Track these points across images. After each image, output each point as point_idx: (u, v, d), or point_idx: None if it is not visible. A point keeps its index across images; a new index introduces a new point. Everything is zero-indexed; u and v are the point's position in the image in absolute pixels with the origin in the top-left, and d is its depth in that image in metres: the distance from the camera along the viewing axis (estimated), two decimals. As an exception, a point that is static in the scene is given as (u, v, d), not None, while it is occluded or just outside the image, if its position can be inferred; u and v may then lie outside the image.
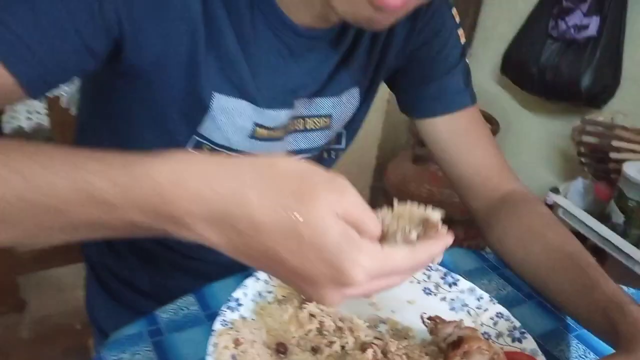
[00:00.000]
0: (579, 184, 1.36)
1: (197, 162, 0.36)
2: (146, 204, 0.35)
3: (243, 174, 0.35)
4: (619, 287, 0.56)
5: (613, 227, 1.21)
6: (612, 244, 1.19)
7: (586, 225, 1.24)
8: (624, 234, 1.19)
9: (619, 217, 1.20)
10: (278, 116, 0.62)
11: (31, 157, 0.37)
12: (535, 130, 1.64)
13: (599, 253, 1.29)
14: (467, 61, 0.74)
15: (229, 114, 0.59)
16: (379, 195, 1.84)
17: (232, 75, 0.57)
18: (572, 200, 1.33)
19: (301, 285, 0.36)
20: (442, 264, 0.67)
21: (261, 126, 0.62)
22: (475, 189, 0.74)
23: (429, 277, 0.63)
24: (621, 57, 1.39)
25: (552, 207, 1.33)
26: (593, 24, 1.33)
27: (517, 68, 1.51)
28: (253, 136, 0.62)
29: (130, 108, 0.60)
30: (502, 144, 1.69)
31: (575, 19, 1.35)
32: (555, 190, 1.33)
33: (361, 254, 0.35)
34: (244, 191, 0.34)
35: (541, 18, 1.43)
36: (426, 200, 1.63)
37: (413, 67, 0.72)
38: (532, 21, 1.45)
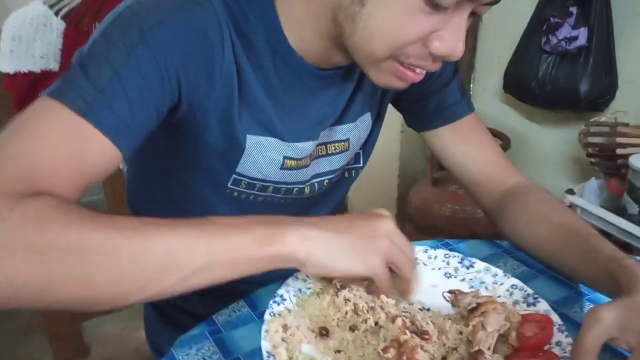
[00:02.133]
0: (592, 183, 1.42)
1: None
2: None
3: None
4: (617, 249, 0.63)
5: (630, 218, 1.26)
6: (631, 234, 1.24)
7: (604, 220, 1.30)
8: (640, 223, 1.25)
9: (633, 208, 1.26)
10: (304, 148, 0.72)
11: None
12: (545, 140, 1.72)
13: (623, 246, 1.34)
14: (461, 75, 0.84)
15: (262, 151, 0.68)
16: (405, 221, 1.91)
17: (261, 119, 0.67)
18: (587, 199, 1.39)
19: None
20: (460, 251, 0.74)
21: (290, 158, 0.71)
22: (484, 186, 0.82)
23: (447, 263, 0.71)
24: (614, 61, 1.47)
25: (570, 207, 1.39)
26: (582, 35, 1.43)
27: (518, 85, 1.61)
28: (283, 167, 0.71)
29: (176, 155, 0.70)
30: (516, 157, 1.76)
31: (565, 32, 1.45)
32: (571, 192, 1.39)
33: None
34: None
35: (533, 36, 1.53)
36: (450, 218, 1.70)
37: (414, 87, 0.82)
38: (525, 40, 1.55)
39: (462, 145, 0.82)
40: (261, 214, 0.76)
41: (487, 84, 1.80)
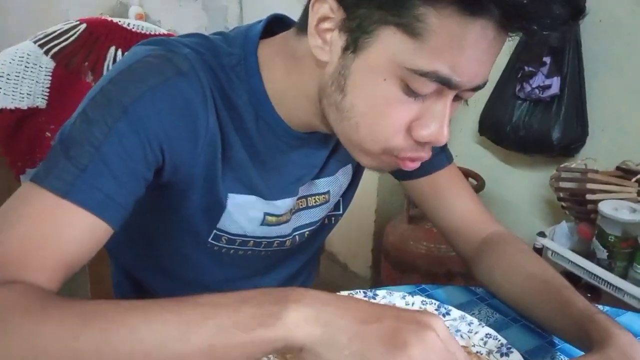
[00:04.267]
0: (563, 226, 1.47)
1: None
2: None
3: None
4: (589, 303, 0.66)
5: (599, 263, 1.30)
6: (601, 278, 1.27)
7: (574, 264, 1.34)
8: (609, 268, 1.28)
9: (602, 253, 1.30)
10: (284, 204, 0.73)
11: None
12: (518, 182, 1.77)
13: (593, 290, 1.38)
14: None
15: (243, 209, 0.70)
16: (380, 256, 1.93)
17: (243, 178, 0.68)
18: (558, 242, 1.43)
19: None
20: (436, 298, 0.76)
21: (270, 215, 0.73)
22: (461, 235, 0.85)
23: (424, 310, 0.72)
24: (585, 109, 1.53)
25: (541, 250, 1.42)
26: (555, 84, 1.49)
27: (493, 128, 1.66)
28: (264, 223, 0.73)
29: (159, 214, 0.71)
30: (490, 198, 1.81)
31: (538, 80, 1.51)
32: (542, 234, 1.42)
33: None
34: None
35: (508, 83, 1.58)
36: (425, 256, 1.72)
37: None
38: (500, 86, 1.61)
39: (441, 196, 0.84)
40: (242, 264, 0.78)
41: (464, 126, 1.85)
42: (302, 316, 0.43)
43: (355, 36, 0.55)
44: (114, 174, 0.55)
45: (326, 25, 0.57)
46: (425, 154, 0.61)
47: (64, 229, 0.53)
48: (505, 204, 1.81)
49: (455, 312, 0.71)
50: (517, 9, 0.49)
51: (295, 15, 0.66)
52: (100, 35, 0.88)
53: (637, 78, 1.43)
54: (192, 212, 0.69)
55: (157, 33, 0.97)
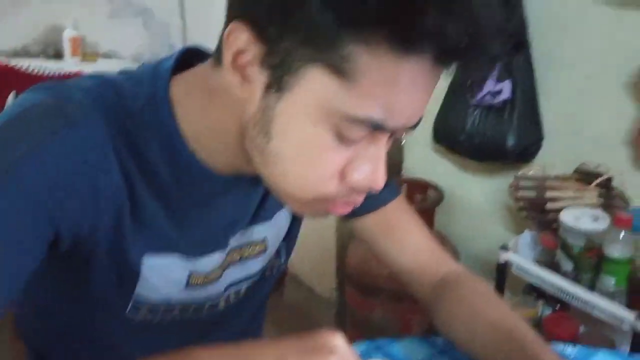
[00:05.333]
0: (526, 236, 1.41)
1: None
2: None
3: None
4: (556, 354, 0.60)
5: (565, 275, 1.25)
6: (567, 292, 1.22)
7: (539, 277, 1.28)
8: (576, 280, 1.23)
9: (567, 265, 1.25)
10: (211, 260, 0.64)
11: None
12: (477, 190, 1.71)
13: (561, 302, 1.33)
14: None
15: (161, 272, 0.61)
16: (344, 277, 1.86)
17: (157, 235, 0.59)
18: (522, 253, 1.37)
19: None
20: (394, 356, 0.69)
21: (196, 274, 0.63)
22: (415, 276, 0.77)
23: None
24: (539, 113, 1.49)
25: (505, 264, 1.37)
26: (506, 88, 1.43)
27: (447, 136, 1.60)
28: (189, 285, 0.63)
29: (64, 288, 0.62)
30: (449, 209, 1.75)
31: (489, 86, 1.46)
32: (505, 248, 1.37)
33: None
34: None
35: (459, 89, 1.53)
36: (389, 278, 1.65)
37: None
38: (451, 94, 1.56)
39: (390, 234, 0.77)
40: (171, 334, 0.68)
41: (418, 134, 1.79)
42: None
43: (279, 74, 0.48)
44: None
45: (244, 58, 0.50)
46: (360, 198, 0.56)
47: None
48: (465, 213, 1.76)
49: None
50: (452, 49, 0.43)
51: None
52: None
53: (588, 78, 1.40)
54: (101, 283, 0.59)
55: (63, 74, 0.87)
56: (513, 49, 0.46)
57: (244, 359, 0.47)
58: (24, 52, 2.90)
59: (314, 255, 2.04)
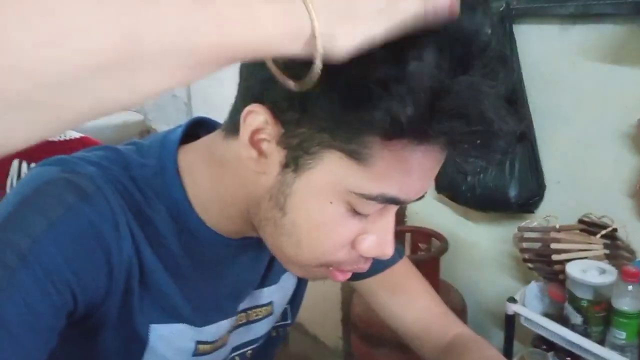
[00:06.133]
0: (534, 287, 1.41)
1: None
2: None
3: None
4: None
5: (574, 328, 1.24)
6: (577, 345, 1.21)
7: (549, 330, 1.27)
8: (585, 334, 1.22)
9: (576, 318, 1.24)
10: (219, 328, 0.65)
11: None
12: (483, 240, 1.72)
13: (568, 354, 1.31)
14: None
15: (169, 341, 0.61)
16: (349, 326, 1.84)
17: (166, 304, 0.60)
18: (530, 305, 1.36)
19: None
20: None
21: (203, 342, 0.64)
22: (422, 340, 0.78)
23: None
24: (539, 163, 1.50)
25: (513, 316, 1.36)
26: (506, 140, 1.45)
27: (450, 187, 1.61)
28: (196, 354, 0.64)
29: (71, 358, 0.62)
30: (454, 258, 1.75)
31: (489, 137, 1.47)
32: (513, 300, 1.36)
33: None
34: None
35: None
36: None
37: None
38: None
39: (394, 296, 0.79)
40: None
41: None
42: None
43: (296, 155, 0.51)
44: (15, 336, 0.48)
45: (261, 136, 0.52)
46: (366, 265, 0.59)
47: None
48: (471, 263, 1.75)
49: None
50: (464, 146, 0.46)
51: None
52: None
53: (586, 129, 1.42)
54: (109, 351, 0.60)
55: (67, 139, 0.88)
56: (518, 141, 0.50)
57: None
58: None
59: (319, 304, 2.03)
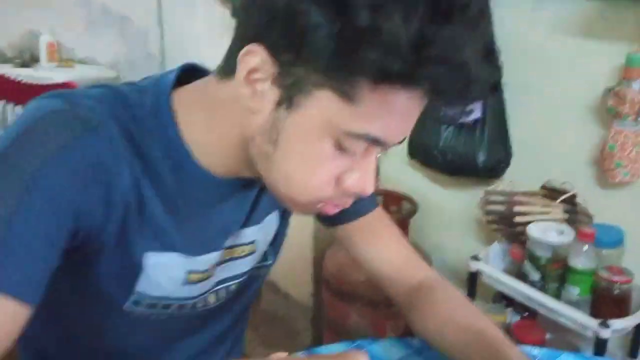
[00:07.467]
0: (496, 248, 1.50)
1: None
2: None
3: None
4: (521, 353, 0.69)
5: (532, 284, 1.33)
6: (535, 300, 1.30)
7: (508, 286, 1.36)
8: (542, 289, 1.32)
9: (535, 275, 1.33)
10: (209, 259, 0.70)
11: None
12: (450, 203, 1.79)
13: (528, 310, 1.41)
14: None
15: (162, 268, 0.65)
16: (321, 283, 1.91)
17: (160, 235, 0.64)
18: (492, 263, 1.45)
19: None
20: (373, 356, 0.74)
21: (194, 272, 0.68)
22: (393, 281, 0.84)
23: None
24: (508, 132, 1.58)
25: (476, 273, 1.44)
26: (477, 108, 1.52)
27: (422, 152, 1.68)
28: (187, 282, 0.68)
29: (67, 280, 0.65)
30: (422, 220, 1.83)
31: (462, 104, 1.54)
32: (476, 258, 1.44)
33: None
34: None
35: (433, 107, 1.60)
36: (366, 283, 1.71)
37: None
38: (426, 111, 1.63)
39: (369, 241, 0.84)
40: (165, 328, 0.73)
41: (394, 149, 1.85)
42: None
43: (290, 93, 0.55)
44: (29, 250, 0.53)
45: (257, 76, 0.56)
46: (349, 201, 0.63)
47: None
48: (438, 225, 1.83)
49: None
50: (444, 91, 0.51)
51: (213, 38, 0.62)
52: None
53: (555, 100, 1.49)
54: (105, 276, 0.64)
55: (52, 84, 0.90)
56: (492, 90, 0.55)
57: None
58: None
59: (291, 262, 2.08)
